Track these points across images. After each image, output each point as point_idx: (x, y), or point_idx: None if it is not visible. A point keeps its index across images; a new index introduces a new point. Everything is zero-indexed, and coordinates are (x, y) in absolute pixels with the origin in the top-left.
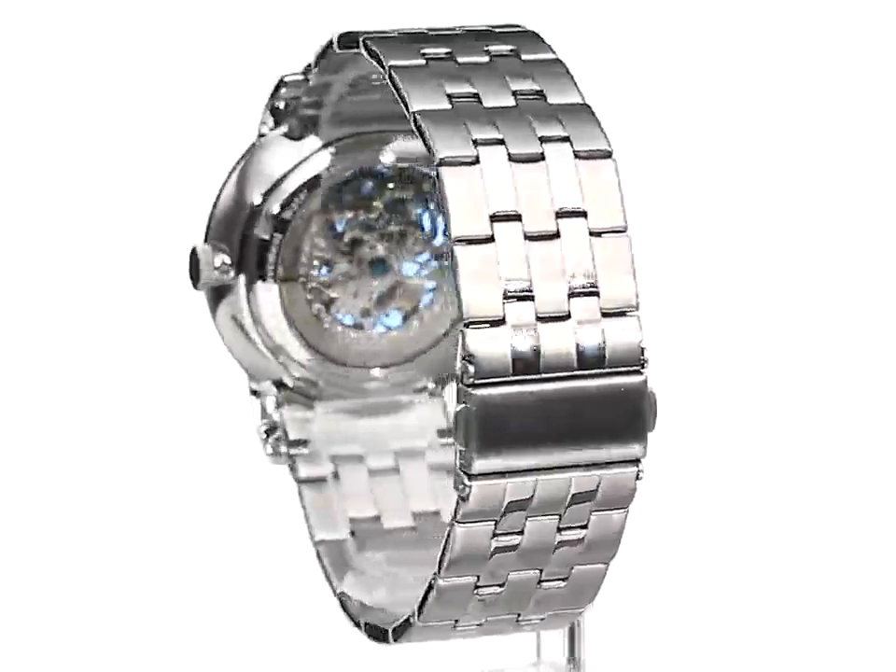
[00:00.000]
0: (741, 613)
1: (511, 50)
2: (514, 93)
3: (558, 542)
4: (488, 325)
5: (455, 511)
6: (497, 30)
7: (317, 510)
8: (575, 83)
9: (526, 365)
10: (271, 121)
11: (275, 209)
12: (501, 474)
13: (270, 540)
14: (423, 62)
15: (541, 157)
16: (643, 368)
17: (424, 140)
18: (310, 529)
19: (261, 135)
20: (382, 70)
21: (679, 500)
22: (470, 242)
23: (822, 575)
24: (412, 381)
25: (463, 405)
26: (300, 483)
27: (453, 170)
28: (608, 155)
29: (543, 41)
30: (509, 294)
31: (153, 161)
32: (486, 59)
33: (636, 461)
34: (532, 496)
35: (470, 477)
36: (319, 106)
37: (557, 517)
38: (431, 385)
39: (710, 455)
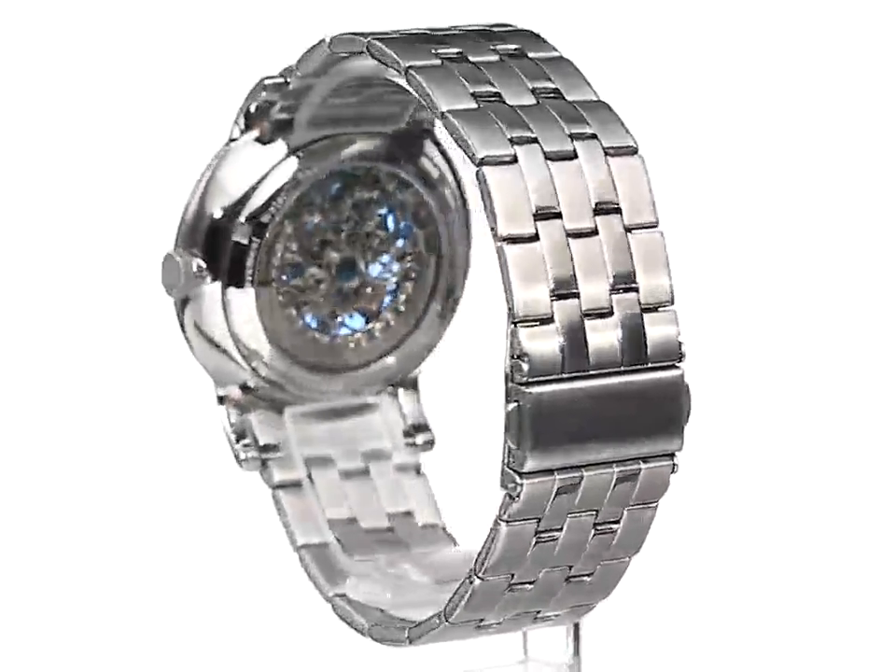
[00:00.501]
0: (742, 613)
1: (517, 50)
2: (533, 92)
3: (591, 538)
4: (538, 323)
5: (502, 510)
6: (496, 29)
7: (298, 514)
8: (587, 81)
9: (576, 362)
10: (242, 124)
11: (243, 218)
12: (550, 472)
13: (242, 548)
14: (439, 62)
15: (574, 154)
16: (680, 361)
17: (458, 140)
18: (290, 535)
19: (232, 139)
20: (396, 71)
21: (679, 499)
22: (516, 241)
23: (827, 577)
24: (375, 382)
25: (515, 404)
26: (274, 488)
27: (494, 169)
28: (634, 151)
29: (545, 40)
30: (555, 292)
31: (126, 166)
32: (497, 58)
33: (672, 455)
34: (577, 492)
35: (522, 475)
36: (295, 110)
37: (594, 513)
38: (390, 388)
39: (709, 454)
